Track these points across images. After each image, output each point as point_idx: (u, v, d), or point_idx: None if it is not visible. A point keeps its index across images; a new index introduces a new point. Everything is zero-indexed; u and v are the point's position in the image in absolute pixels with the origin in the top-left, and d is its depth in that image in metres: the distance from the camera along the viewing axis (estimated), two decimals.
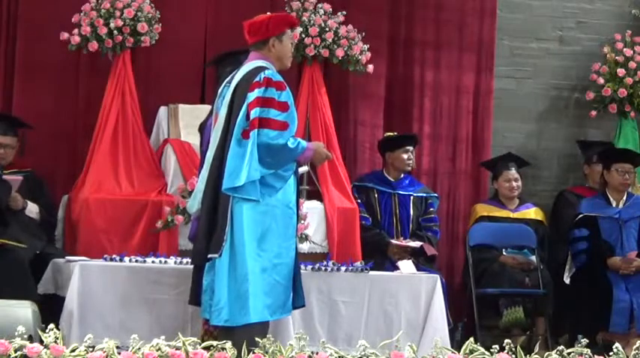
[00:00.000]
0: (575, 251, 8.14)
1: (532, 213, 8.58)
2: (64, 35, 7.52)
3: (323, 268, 6.72)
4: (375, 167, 8.56)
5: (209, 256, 5.86)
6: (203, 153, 6.34)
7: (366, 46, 8.03)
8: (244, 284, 5.76)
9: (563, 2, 9.28)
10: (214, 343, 4.90)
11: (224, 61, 6.88)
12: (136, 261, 6.57)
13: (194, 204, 6.08)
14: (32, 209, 7.26)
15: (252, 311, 5.75)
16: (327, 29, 7.94)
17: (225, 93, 6.03)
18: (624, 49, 9.00)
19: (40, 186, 7.48)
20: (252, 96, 5.85)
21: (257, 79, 5.87)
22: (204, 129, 6.54)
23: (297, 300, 6.03)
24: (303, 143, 5.99)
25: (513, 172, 8.51)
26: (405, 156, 8.19)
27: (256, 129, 5.80)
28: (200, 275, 5.97)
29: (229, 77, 6.09)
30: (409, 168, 8.25)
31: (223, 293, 5.79)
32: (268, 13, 6.30)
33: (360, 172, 8.50)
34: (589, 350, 5.19)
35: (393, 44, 8.73)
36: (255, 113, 5.82)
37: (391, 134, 8.38)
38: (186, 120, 7.64)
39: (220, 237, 5.81)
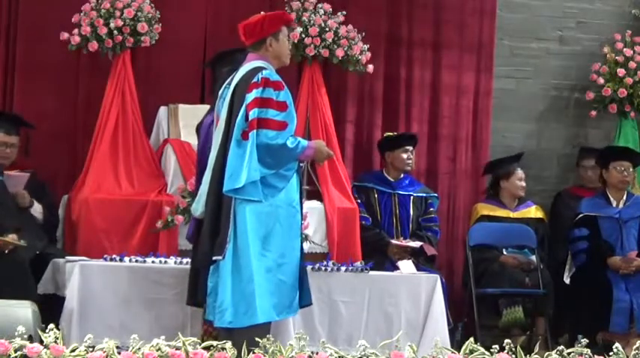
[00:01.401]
0: (575, 250, 8.14)
1: (532, 211, 8.57)
2: (64, 35, 7.52)
3: (323, 268, 6.72)
4: (374, 167, 8.56)
5: (213, 258, 5.85)
6: (200, 152, 6.34)
7: (365, 46, 8.03)
8: (250, 284, 5.76)
9: (563, 2, 9.27)
10: (214, 343, 4.91)
11: (221, 61, 6.86)
12: (136, 261, 6.58)
13: (198, 208, 6.08)
14: (37, 208, 7.25)
15: (259, 311, 5.75)
16: (327, 29, 7.93)
17: (226, 94, 6.02)
18: (624, 49, 8.99)
19: (43, 187, 7.47)
20: (250, 97, 5.85)
21: (255, 79, 5.87)
22: (200, 129, 6.54)
23: (304, 299, 6.03)
24: (304, 142, 5.99)
25: (521, 171, 8.52)
26: (405, 155, 8.19)
27: (255, 130, 5.80)
28: (198, 276, 5.98)
29: (229, 78, 6.09)
30: (409, 168, 8.25)
31: (226, 295, 5.78)
32: (262, 13, 6.28)
33: (359, 172, 8.50)
34: (589, 350, 5.19)
35: (393, 44, 8.73)
36: (253, 114, 5.82)
37: (391, 134, 8.38)
38: (186, 120, 7.63)
39: (223, 239, 5.81)
